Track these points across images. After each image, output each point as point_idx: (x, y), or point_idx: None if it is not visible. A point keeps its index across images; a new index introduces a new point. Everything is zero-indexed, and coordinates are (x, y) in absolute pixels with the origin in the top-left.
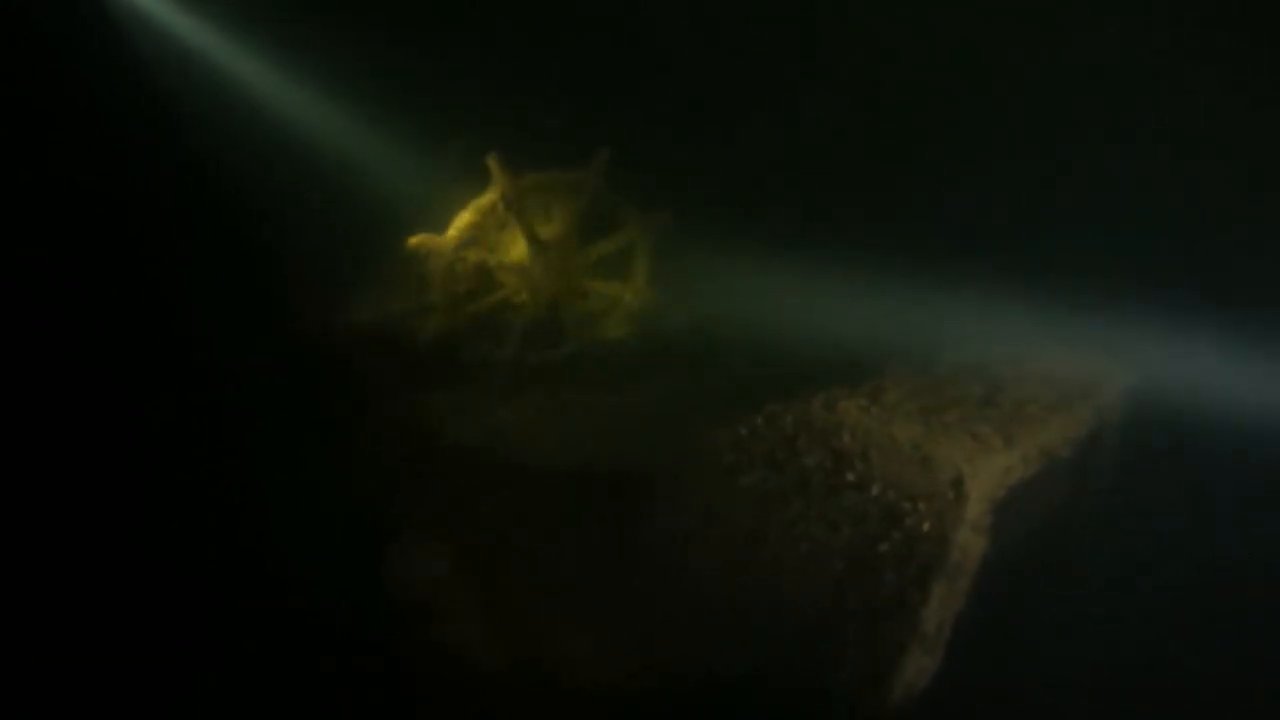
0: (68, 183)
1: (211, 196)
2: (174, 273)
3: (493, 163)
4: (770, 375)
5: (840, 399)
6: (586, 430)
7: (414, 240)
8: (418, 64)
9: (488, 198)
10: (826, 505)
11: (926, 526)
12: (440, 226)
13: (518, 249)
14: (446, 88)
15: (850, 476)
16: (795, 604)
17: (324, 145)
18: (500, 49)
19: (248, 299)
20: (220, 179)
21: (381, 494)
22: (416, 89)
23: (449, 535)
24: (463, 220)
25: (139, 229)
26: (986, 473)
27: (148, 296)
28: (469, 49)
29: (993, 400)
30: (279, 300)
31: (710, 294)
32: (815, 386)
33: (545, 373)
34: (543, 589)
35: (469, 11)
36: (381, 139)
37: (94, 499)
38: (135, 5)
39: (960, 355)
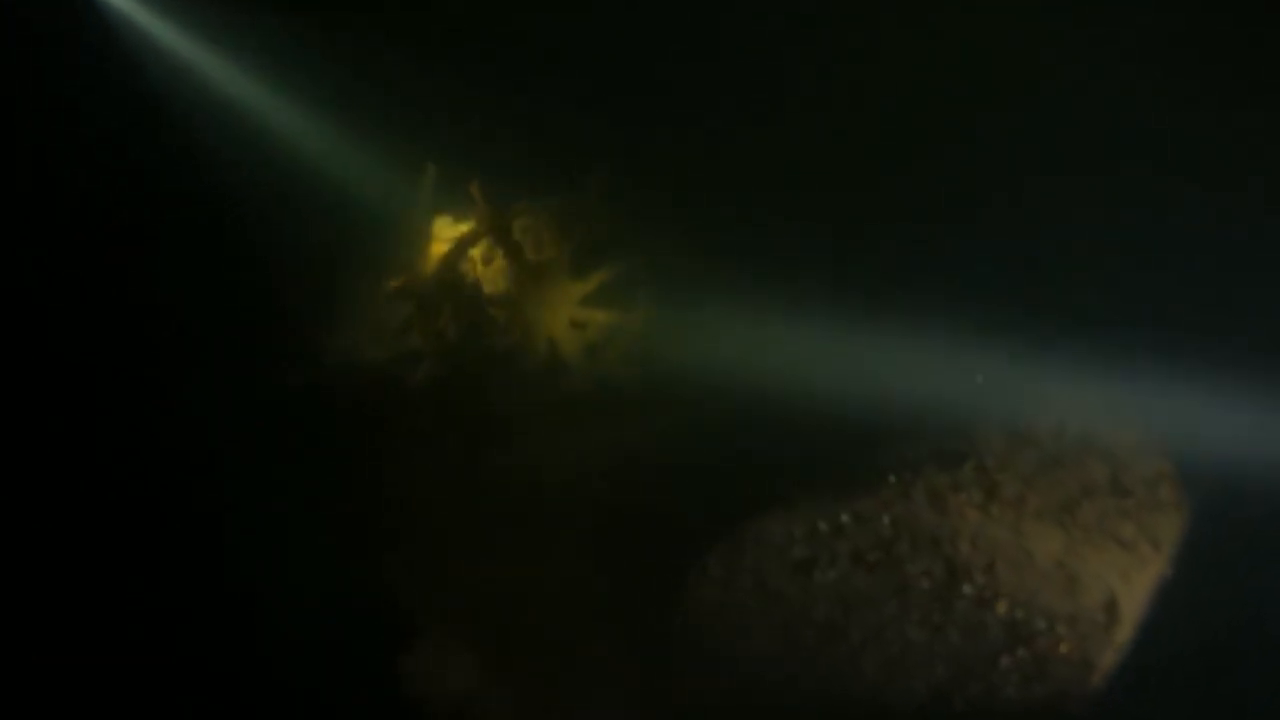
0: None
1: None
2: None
3: (475, 192)
4: (813, 428)
5: (946, 491)
6: (600, 479)
7: (396, 283)
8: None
9: (472, 230)
10: (931, 612)
11: (1065, 649)
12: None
13: (508, 283)
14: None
15: (967, 589)
16: (877, 703)
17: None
18: (494, 66)
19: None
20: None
21: (387, 575)
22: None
23: (470, 632)
24: (447, 257)
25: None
26: (1141, 589)
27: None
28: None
29: (1121, 484)
30: (267, 338)
31: (723, 326)
32: (884, 454)
33: (547, 413)
34: (582, 691)
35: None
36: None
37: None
38: (133, 22)
39: (1051, 415)
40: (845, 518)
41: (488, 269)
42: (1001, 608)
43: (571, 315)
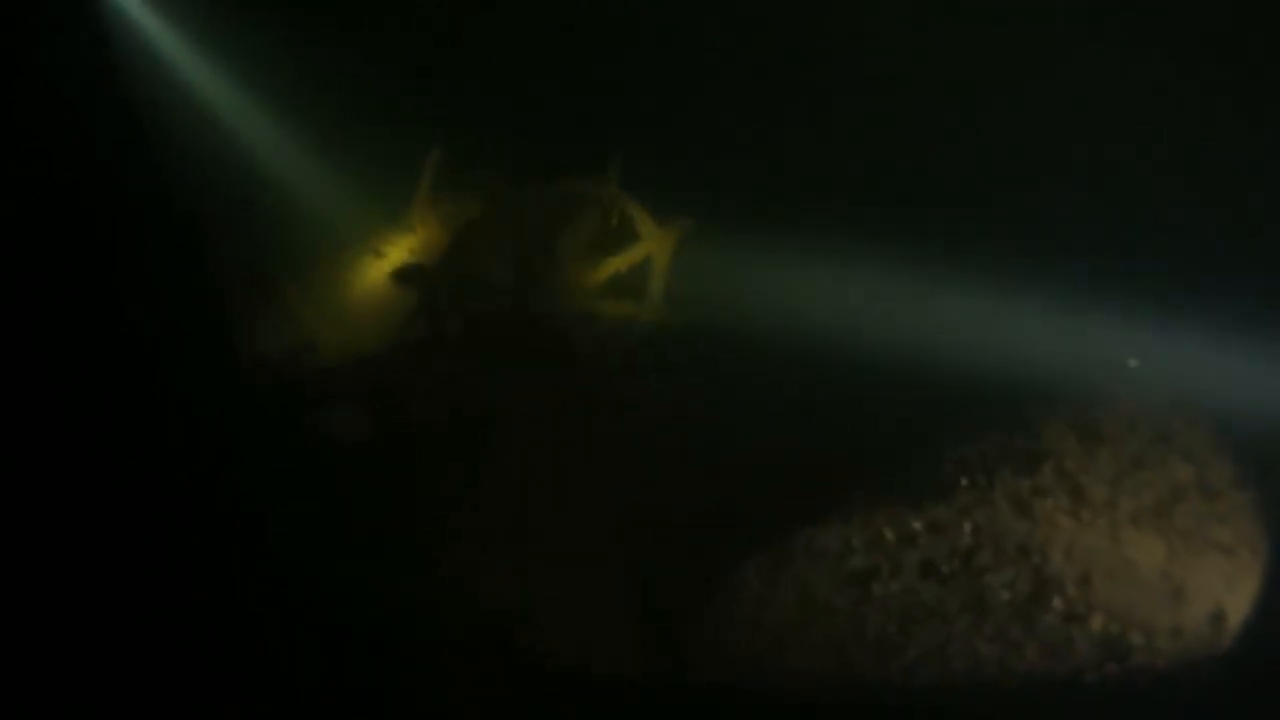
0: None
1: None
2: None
3: (481, 174)
4: (856, 426)
5: (1029, 496)
6: (618, 479)
7: (396, 271)
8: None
9: (476, 214)
10: (1009, 627)
11: (1163, 663)
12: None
13: (517, 271)
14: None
15: (1058, 603)
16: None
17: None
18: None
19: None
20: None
21: (395, 583)
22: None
23: (483, 645)
24: (454, 245)
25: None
26: (1245, 597)
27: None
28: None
29: (1208, 485)
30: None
31: (745, 318)
32: (947, 454)
33: (558, 409)
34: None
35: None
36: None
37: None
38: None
39: (1121, 411)
40: (918, 525)
41: (496, 257)
42: (1096, 623)
43: (583, 305)
